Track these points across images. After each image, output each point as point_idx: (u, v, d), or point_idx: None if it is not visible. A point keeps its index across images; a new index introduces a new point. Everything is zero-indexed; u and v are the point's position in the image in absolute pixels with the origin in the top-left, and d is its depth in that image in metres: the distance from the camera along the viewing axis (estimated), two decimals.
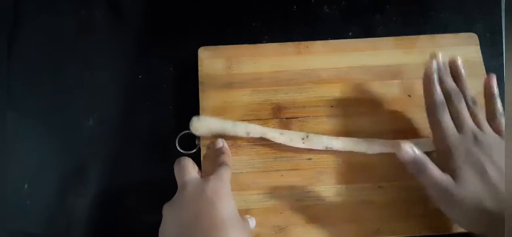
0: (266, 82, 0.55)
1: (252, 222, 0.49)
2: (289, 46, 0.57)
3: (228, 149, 0.51)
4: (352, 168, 0.52)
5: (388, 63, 0.56)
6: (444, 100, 0.47)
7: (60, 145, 0.54)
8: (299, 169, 0.52)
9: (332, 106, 0.55)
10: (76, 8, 0.60)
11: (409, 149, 0.44)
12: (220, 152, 0.49)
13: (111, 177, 0.53)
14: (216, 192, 0.43)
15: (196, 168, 0.47)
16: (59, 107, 0.56)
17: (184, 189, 0.44)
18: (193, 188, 0.44)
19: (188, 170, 0.45)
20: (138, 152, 0.54)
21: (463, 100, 0.47)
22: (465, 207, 0.42)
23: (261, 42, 0.58)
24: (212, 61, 0.56)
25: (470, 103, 0.47)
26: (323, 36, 0.58)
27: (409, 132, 0.54)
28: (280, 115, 0.54)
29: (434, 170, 0.43)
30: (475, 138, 0.45)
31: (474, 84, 0.54)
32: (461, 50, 0.57)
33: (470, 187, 0.42)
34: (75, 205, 0.52)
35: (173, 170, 0.48)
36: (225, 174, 0.46)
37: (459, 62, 0.50)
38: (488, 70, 0.56)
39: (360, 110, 0.54)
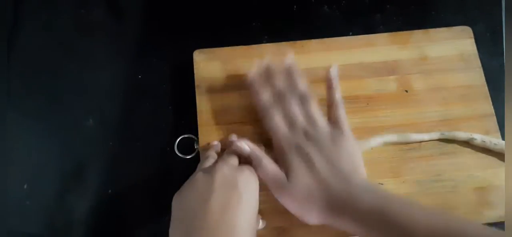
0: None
1: (262, 223, 0.49)
2: (285, 46, 0.57)
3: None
4: None
5: (384, 59, 0.57)
6: (271, 103, 0.48)
7: (60, 145, 0.54)
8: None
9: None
10: (76, 8, 0.60)
11: (245, 146, 0.46)
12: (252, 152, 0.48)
13: (110, 177, 0.53)
14: (247, 183, 0.43)
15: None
16: (59, 107, 0.56)
17: (216, 173, 0.42)
18: (229, 171, 0.43)
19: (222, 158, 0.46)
20: (138, 152, 0.54)
21: (293, 99, 0.48)
22: (296, 199, 0.44)
23: (261, 42, 0.58)
24: (207, 63, 0.56)
25: (302, 100, 0.48)
26: (323, 36, 0.58)
27: (407, 127, 0.54)
28: None
29: (268, 165, 0.45)
30: (306, 133, 0.46)
31: (469, 77, 0.55)
32: (455, 44, 0.57)
33: (300, 180, 0.44)
34: (75, 205, 0.52)
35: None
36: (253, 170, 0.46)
37: (288, 60, 0.51)
38: (488, 70, 0.56)
39: (357, 107, 0.54)
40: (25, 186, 0.52)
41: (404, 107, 0.54)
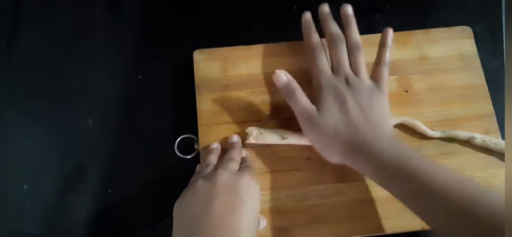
0: (263, 83, 0.55)
1: (263, 223, 0.48)
2: (284, 46, 0.57)
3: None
4: None
5: None
6: (321, 44, 0.51)
7: (60, 145, 0.54)
8: (299, 170, 0.52)
9: None
10: (76, 8, 0.60)
11: (283, 75, 0.48)
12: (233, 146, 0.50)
13: (110, 177, 0.53)
14: (247, 190, 0.42)
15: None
16: (59, 107, 0.56)
17: (218, 176, 0.43)
18: (229, 177, 0.43)
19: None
20: (138, 152, 0.54)
21: (344, 45, 0.50)
22: (323, 133, 0.46)
23: (261, 42, 0.58)
24: (207, 63, 0.56)
25: (353, 49, 0.50)
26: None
27: (407, 127, 0.54)
28: (279, 116, 0.54)
29: (301, 97, 0.47)
30: (347, 80, 0.48)
31: (469, 77, 0.55)
32: (455, 44, 0.57)
33: (329, 116, 0.46)
34: (75, 205, 0.52)
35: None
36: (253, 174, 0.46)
37: (348, 9, 0.52)
38: (488, 70, 0.56)
39: None
40: (25, 186, 0.52)
41: (405, 107, 0.54)
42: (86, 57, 0.58)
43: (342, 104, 0.46)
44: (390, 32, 0.51)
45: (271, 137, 0.51)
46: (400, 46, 0.57)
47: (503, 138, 0.53)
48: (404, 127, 0.54)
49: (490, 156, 0.52)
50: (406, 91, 0.55)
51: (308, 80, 0.55)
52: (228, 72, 0.55)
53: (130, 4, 0.61)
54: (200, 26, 0.60)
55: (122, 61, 0.58)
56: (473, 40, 0.58)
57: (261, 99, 0.54)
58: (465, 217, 0.38)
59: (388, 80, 0.50)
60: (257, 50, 0.57)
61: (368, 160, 0.44)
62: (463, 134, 0.52)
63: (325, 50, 0.51)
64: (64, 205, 0.52)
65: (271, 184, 0.51)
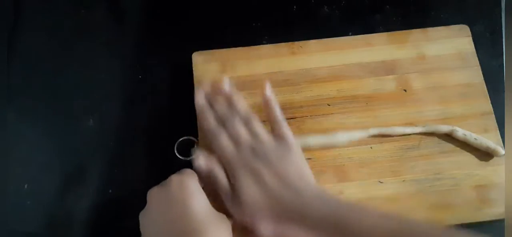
0: (261, 84, 0.55)
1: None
2: (283, 47, 0.57)
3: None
4: (352, 165, 0.52)
5: (382, 59, 0.57)
6: (216, 125, 0.48)
7: (60, 145, 0.54)
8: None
9: (329, 105, 0.55)
10: (76, 8, 0.60)
11: (201, 159, 0.46)
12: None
13: (111, 177, 0.53)
14: (183, 190, 0.42)
15: None
16: (59, 107, 0.56)
17: (151, 195, 0.44)
18: (159, 191, 0.44)
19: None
20: (138, 152, 0.54)
21: (237, 119, 0.48)
22: (248, 212, 0.44)
23: (261, 43, 0.58)
24: (206, 65, 0.56)
25: (245, 120, 0.48)
26: (323, 36, 0.58)
27: (406, 126, 0.54)
28: None
29: (222, 180, 0.46)
30: (252, 149, 0.46)
31: (468, 76, 0.56)
32: (453, 42, 0.58)
33: (250, 194, 0.44)
34: (75, 205, 0.52)
35: (171, 171, 0.48)
36: (187, 169, 0.46)
37: (226, 84, 0.51)
38: (488, 70, 0.56)
39: (356, 107, 0.55)
40: (26, 186, 0.52)
41: (403, 106, 0.54)
42: (86, 57, 0.58)
43: (256, 176, 0.44)
44: (268, 91, 0.49)
45: None
46: (398, 46, 0.57)
47: (502, 137, 0.53)
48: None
49: (490, 155, 0.52)
50: (405, 90, 0.55)
51: (308, 80, 0.55)
52: (227, 73, 0.55)
53: (130, 5, 0.61)
54: (200, 26, 0.60)
55: (122, 62, 0.58)
56: (470, 38, 0.58)
57: (260, 100, 0.54)
58: None
59: (290, 132, 0.48)
60: (256, 51, 0.57)
61: (302, 225, 0.42)
62: (444, 127, 0.53)
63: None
64: (64, 205, 0.52)
65: None
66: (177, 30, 0.60)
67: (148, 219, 0.44)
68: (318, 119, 0.54)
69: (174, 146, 0.52)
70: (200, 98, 0.50)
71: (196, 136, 0.53)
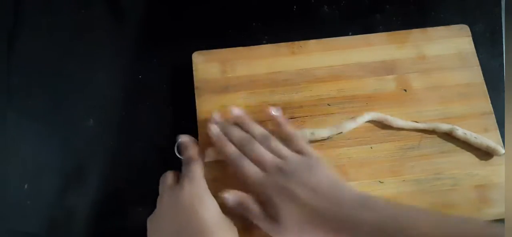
0: (262, 84, 0.55)
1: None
2: (283, 47, 0.57)
3: (190, 141, 0.50)
4: (352, 165, 0.52)
5: (383, 59, 0.57)
6: (239, 152, 0.47)
7: (60, 145, 0.54)
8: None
9: (329, 105, 0.55)
10: (76, 8, 0.60)
11: (232, 195, 0.46)
12: (184, 147, 0.49)
13: (111, 177, 0.53)
14: (193, 196, 0.43)
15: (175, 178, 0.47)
16: (59, 107, 0.56)
17: (161, 201, 0.44)
18: (169, 197, 0.44)
19: (164, 181, 0.46)
20: (138, 152, 0.54)
21: (255, 142, 0.48)
22: (290, 231, 0.43)
23: (261, 43, 0.58)
24: (206, 65, 0.56)
25: (263, 141, 0.48)
26: (323, 36, 0.58)
27: (378, 122, 0.54)
28: None
29: (257, 210, 0.45)
30: (279, 169, 0.45)
31: (468, 75, 0.56)
32: (453, 42, 0.57)
33: (291, 218, 0.43)
34: (75, 205, 0.52)
35: (172, 170, 0.48)
36: (197, 171, 0.46)
37: (236, 110, 0.51)
38: (488, 70, 0.56)
39: (356, 107, 0.55)
40: (26, 186, 0.52)
41: (403, 106, 0.54)
42: (86, 57, 0.58)
43: (292, 197, 0.43)
44: (275, 111, 0.50)
45: None
46: (398, 45, 0.57)
47: (502, 137, 0.53)
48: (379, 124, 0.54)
49: (490, 155, 0.52)
50: (405, 90, 0.55)
51: (308, 80, 0.55)
52: (227, 73, 0.55)
53: (130, 5, 0.61)
54: (200, 26, 0.60)
55: (122, 62, 0.58)
56: (470, 38, 0.58)
57: (260, 100, 0.55)
58: None
59: (308, 144, 0.48)
60: (257, 51, 0.57)
61: (347, 234, 0.41)
62: (444, 126, 0.53)
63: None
64: (64, 205, 0.52)
65: None
66: (177, 30, 0.60)
67: (157, 224, 0.44)
68: (318, 119, 0.54)
69: (174, 146, 0.52)
70: (214, 128, 0.49)
71: (196, 136, 0.53)
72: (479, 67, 0.56)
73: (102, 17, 0.60)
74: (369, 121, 0.54)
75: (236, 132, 0.49)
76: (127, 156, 0.54)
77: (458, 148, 0.53)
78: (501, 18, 0.61)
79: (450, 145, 0.53)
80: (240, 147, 0.48)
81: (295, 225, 0.43)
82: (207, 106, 0.54)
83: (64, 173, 0.53)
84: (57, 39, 0.59)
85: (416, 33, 0.58)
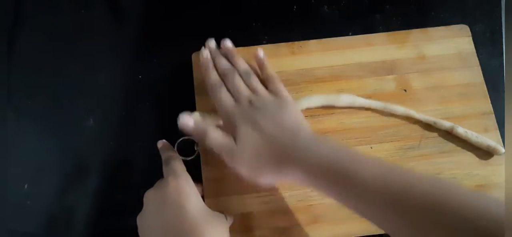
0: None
1: (230, 219, 0.49)
2: (283, 47, 0.57)
3: (168, 144, 0.51)
4: None
5: (383, 59, 0.57)
6: (219, 80, 0.50)
7: (60, 145, 0.54)
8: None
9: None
10: (76, 8, 0.60)
11: (188, 119, 0.48)
12: (162, 150, 0.50)
13: (110, 177, 0.53)
14: (179, 191, 0.43)
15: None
16: (59, 107, 0.56)
17: (148, 198, 0.45)
18: (155, 194, 0.44)
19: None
20: (138, 152, 0.54)
21: (236, 75, 0.50)
22: (247, 160, 0.45)
23: (261, 43, 0.58)
24: None
25: (244, 76, 0.50)
26: (323, 36, 0.58)
27: (406, 126, 0.54)
28: None
29: (215, 134, 0.47)
30: (250, 102, 0.48)
31: (468, 75, 0.56)
32: (453, 42, 0.58)
33: (247, 141, 0.45)
34: (75, 205, 0.52)
35: None
36: (178, 166, 0.46)
37: (228, 43, 0.53)
38: (488, 70, 0.56)
39: (356, 107, 0.54)
40: (26, 186, 0.52)
41: (403, 106, 0.54)
42: (86, 57, 0.58)
43: (254, 125, 0.45)
44: (260, 53, 0.52)
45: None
46: (398, 45, 0.57)
47: (502, 137, 0.53)
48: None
49: (490, 154, 0.52)
50: (405, 90, 0.55)
51: (308, 80, 0.55)
52: None
53: (130, 5, 0.61)
54: (200, 26, 0.60)
55: (122, 61, 0.58)
56: (470, 38, 0.58)
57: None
58: (399, 209, 0.38)
59: (284, 87, 0.50)
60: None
61: (298, 168, 0.43)
62: (445, 123, 0.53)
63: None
64: (64, 205, 0.52)
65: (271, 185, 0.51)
66: (177, 30, 0.60)
67: (145, 221, 0.44)
68: (318, 119, 0.54)
69: (174, 146, 0.52)
70: (205, 53, 0.52)
71: None
72: (479, 67, 0.56)
73: (102, 17, 0.60)
74: (370, 109, 0.54)
75: (223, 62, 0.52)
76: (127, 156, 0.54)
77: (458, 148, 0.53)
78: (501, 18, 0.61)
79: (450, 145, 0.53)
80: (222, 76, 0.51)
81: (250, 150, 0.45)
82: (207, 106, 0.54)
83: (64, 173, 0.53)
84: (57, 39, 0.59)
85: (416, 33, 0.58)
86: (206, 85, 0.51)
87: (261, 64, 0.52)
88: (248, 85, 0.50)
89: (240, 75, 0.50)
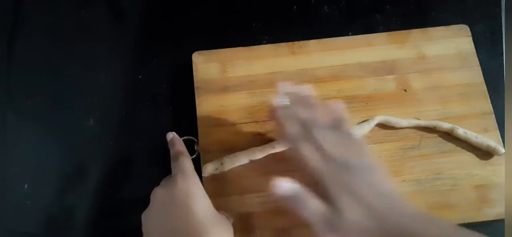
0: (261, 84, 0.55)
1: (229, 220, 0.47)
2: (283, 47, 0.57)
3: (176, 137, 0.50)
4: None
5: (382, 59, 0.57)
6: (299, 132, 0.43)
7: (60, 145, 0.54)
8: (299, 170, 0.52)
9: None
10: (76, 8, 0.60)
11: (286, 184, 0.41)
12: (171, 144, 0.49)
13: (110, 177, 0.53)
14: (187, 192, 0.42)
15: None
16: (59, 107, 0.56)
17: (155, 196, 0.44)
18: (162, 192, 0.44)
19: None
20: (138, 152, 0.54)
21: (319, 126, 0.43)
22: (350, 232, 0.38)
23: (261, 43, 0.58)
24: (206, 65, 0.56)
25: (327, 127, 0.44)
26: (323, 36, 0.58)
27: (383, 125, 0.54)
28: None
29: (315, 204, 0.40)
30: (341, 161, 0.41)
31: (467, 76, 0.56)
32: (453, 42, 0.58)
33: (347, 210, 0.38)
34: (75, 205, 0.52)
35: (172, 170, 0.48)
36: (187, 165, 0.45)
37: (305, 90, 0.47)
38: (488, 70, 0.56)
39: (356, 107, 0.55)
40: (26, 186, 0.52)
41: (403, 106, 0.54)
42: (86, 57, 0.58)
43: (354, 193, 0.39)
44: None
45: (238, 161, 0.51)
46: (398, 46, 0.57)
47: (502, 137, 0.53)
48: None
49: (490, 155, 0.52)
50: (405, 90, 0.55)
51: (308, 80, 0.55)
52: (227, 73, 0.56)
53: (130, 5, 0.61)
54: (200, 26, 0.60)
55: (122, 62, 0.58)
56: (470, 38, 0.58)
57: (260, 100, 0.55)
58: None
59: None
60: (257, 51, 0.57)
61: None
62: (445, 125, 0.53)
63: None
64: (64, 205, 0.52)
65: None
66: (177, 30, 0.60)
67: (150, 219, 0.44)
68: None
69: None
70: (277, 102, 0.46)
71: (196, 136, 0.53)
72: (479, 67, 0.56)
73: (102, 17, 0.60)
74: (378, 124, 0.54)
75: (301, 112, 0.45)
76: (127, 156, 0.54)
77: (458, 148, 0.53)
78: (501, 18, 0.61)
79: (450, 145, 0.53)
80: (303, 126, 0.44)
81: (353, 222, 0.38)
82: (207, 106, 0.54)
83: (64, 173, 0.53)
84: (57, 39, 0.59)
85: (416, 33, 0.58)
86: (283, 139, 0.45)
87: (340, 119, 0.45)
88: (333, 139, 0.43)
89: (322, 126, 0.44)
